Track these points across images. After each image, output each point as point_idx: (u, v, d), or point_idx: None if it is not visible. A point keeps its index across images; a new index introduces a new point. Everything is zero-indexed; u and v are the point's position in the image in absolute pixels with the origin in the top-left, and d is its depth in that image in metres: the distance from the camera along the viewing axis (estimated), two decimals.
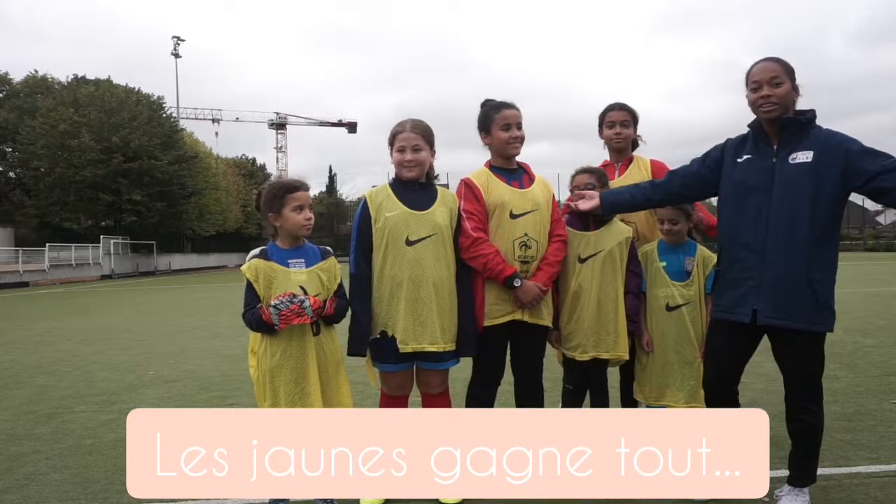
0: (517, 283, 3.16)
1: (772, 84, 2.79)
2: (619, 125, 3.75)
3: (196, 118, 68.59)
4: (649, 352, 3.48)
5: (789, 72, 2.82)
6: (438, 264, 3.15)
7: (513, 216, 3.25)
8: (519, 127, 3.33)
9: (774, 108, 2.79)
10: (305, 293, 2.82)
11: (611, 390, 3.54)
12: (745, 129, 2.99)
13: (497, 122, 3.32)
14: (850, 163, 2.70)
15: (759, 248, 2.80)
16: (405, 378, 3.26)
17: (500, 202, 3.25)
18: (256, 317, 2.80)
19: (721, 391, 3.03)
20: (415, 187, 3.24)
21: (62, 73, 60.45)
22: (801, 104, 2.88)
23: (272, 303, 2.75)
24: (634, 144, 3.85)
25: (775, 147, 2.83)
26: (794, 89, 2.82)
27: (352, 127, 76.30)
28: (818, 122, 2.87)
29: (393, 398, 3.27)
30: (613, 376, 3.58)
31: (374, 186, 3.36)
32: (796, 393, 2.90)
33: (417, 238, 3.13)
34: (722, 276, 3.00)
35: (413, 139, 3.20)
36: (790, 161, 2.77)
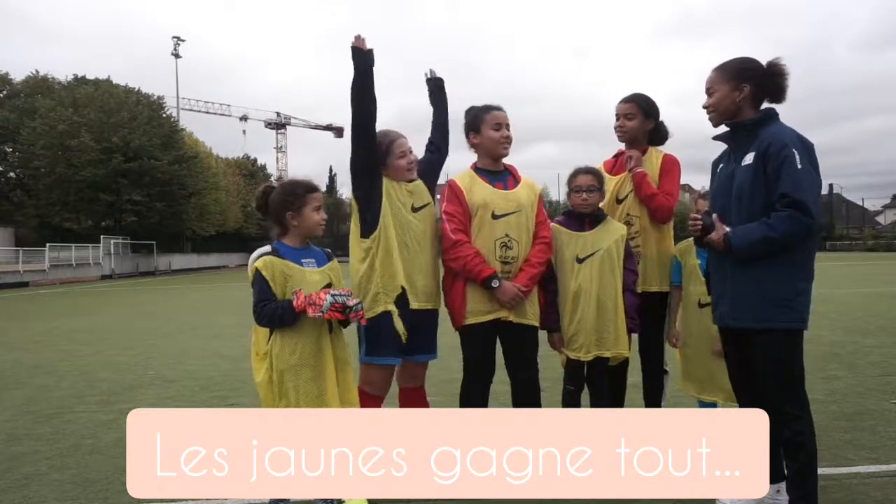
0: (495, 283, 3.20)
1: (708, 94, 2.89)
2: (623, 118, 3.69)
3: (205, 112, 68.91)
4: (676, 346, 3.71)
5: (729, 76, 2.80)
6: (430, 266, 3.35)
7: (495, 217, 3.29)
8: (508, 128, 3.41)
9: (711, 115, 2.89)
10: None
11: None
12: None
13: (488, 121, 3.38)
14: (767, 167, 2.64)
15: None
16: (391, 375, 3.34)
17: (483, 203, 3.30)
18: (285, 307, 2.72)
19: (747, 400, 2.83)
20: None
21: (66, 73, 60.42)
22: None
23: (333, 293, 2.71)
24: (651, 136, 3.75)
25: (735, 152, 2.85)
26: (738, 89, 2.78)
27: (338, 132, 76.14)
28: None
29: (373, 397, 3.23)
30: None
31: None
32: (772, 397, 2.65)
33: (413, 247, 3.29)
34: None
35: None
36: (742, 164, 2.77)
